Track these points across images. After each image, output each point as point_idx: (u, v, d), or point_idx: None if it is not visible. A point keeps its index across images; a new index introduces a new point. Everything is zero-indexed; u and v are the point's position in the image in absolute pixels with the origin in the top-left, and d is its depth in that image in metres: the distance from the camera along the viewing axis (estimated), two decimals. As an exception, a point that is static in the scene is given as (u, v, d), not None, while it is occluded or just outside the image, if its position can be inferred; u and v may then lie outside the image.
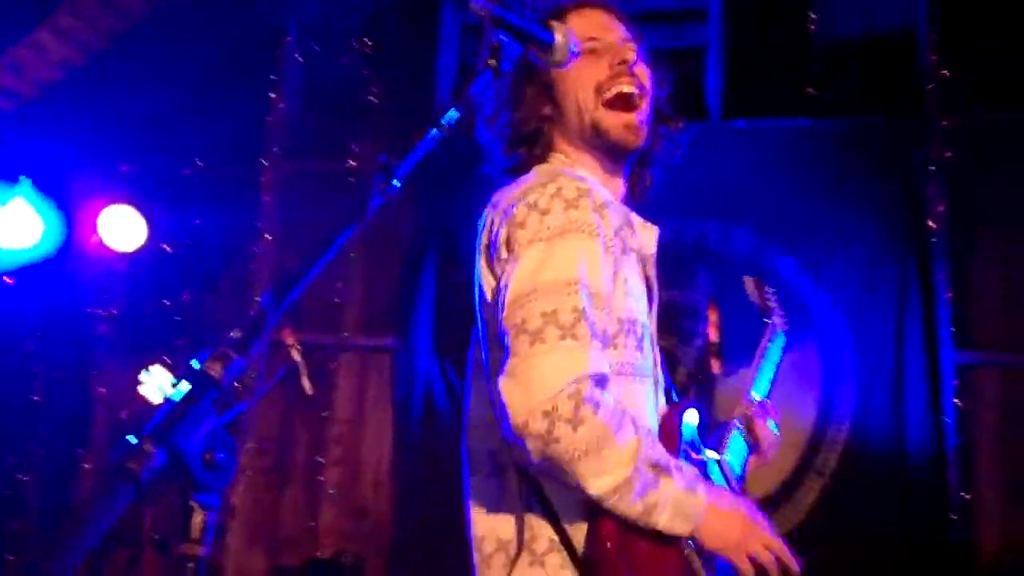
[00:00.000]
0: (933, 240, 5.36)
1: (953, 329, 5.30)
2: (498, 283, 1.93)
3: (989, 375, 5.40)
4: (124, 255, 6.13)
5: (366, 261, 6.18)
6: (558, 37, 1.86)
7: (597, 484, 1.78)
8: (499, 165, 2.28)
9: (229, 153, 6.38)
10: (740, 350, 2.59)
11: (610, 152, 2.21)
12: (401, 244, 6.05)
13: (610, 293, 1.92)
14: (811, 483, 5.30)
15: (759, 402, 2.50)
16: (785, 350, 5.48)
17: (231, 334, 1.35)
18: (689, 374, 4.94)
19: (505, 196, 2.04)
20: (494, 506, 2.00)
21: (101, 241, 6.03)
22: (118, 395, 6.26)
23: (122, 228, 6.03)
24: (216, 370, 1.31)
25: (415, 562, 5.62)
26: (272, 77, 6.37)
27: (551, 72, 2.17)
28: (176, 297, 6.28)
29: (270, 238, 6.20)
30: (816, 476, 5.30)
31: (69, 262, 6.12)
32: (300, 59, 6.40)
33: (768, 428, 2.45)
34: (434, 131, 1.63)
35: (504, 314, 1.85)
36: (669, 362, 2.07)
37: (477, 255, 2.05)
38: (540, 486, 1.94)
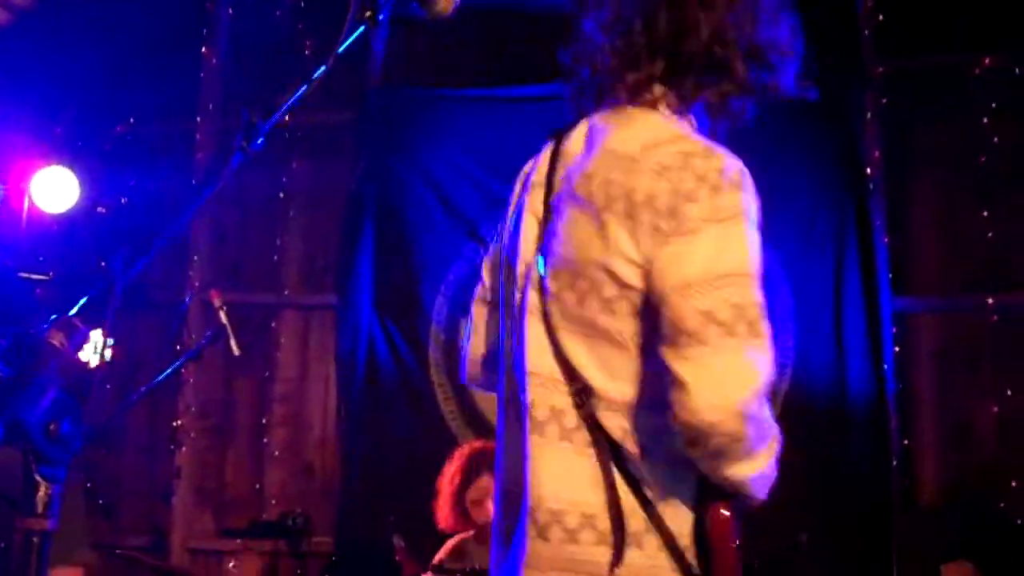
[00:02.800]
0: (870, 186, 5.37)
1: (891, 275, 5.32)
2: (652, 254, 1.79)
3: (927, 320, 5.44)
4: (57, 217, 6.00)
5: (305, 218, 6.11)
6: None
7: (747, 469, 1.80)
8: (576, 82, 2.03)
9: (163, 111, 6.26)
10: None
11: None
12: (340, 200, 5.98)
13: None
14: (753, 430, 5.31)
15: None
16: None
17: (80, 301, 1.30)
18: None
19: (629, 146, 1.85)
20: (572, 474, 1.86)
21: (34, 204, 5.90)
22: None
23: (55, 190, 5.90)
24: (58, 339, 1.26)
25: (363, 520, 5.60)
26: (203, 31, 6.25)
27: None
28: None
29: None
30: (758, 424, 5.31)
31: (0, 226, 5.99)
32: (231, 12, 6.28)
33: None
34: (303, 87, 1.60)
35: (679, 293, 1.74)
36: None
37: (604, 212, 1.83)
38: (626, 461, 1.85)
